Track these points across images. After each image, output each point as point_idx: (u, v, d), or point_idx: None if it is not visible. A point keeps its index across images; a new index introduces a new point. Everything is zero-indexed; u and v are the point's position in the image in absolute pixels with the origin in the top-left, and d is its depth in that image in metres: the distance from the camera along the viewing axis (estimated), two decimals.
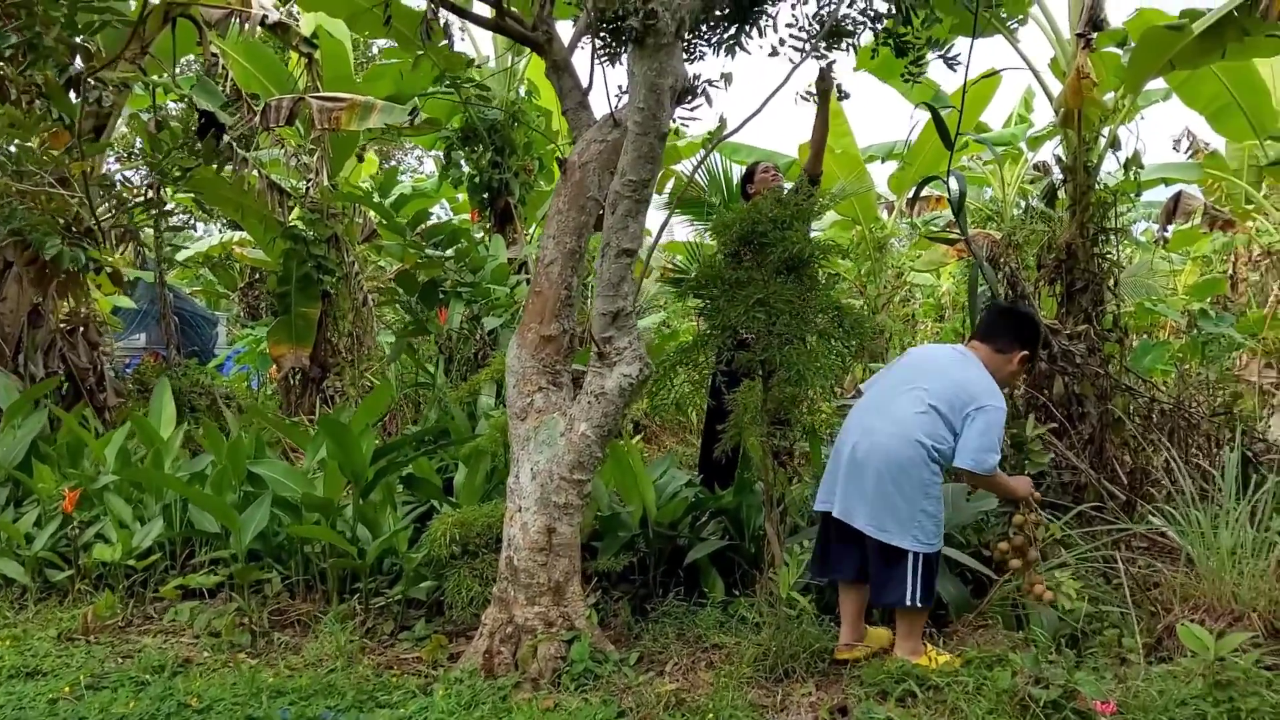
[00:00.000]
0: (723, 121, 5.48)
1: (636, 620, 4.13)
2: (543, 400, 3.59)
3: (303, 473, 4.75)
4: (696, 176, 8.63)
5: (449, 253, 6.56)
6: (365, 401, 4.78)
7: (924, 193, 11.34)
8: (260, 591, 4.49)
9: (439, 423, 5.73)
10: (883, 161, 11.67)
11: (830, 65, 5.03)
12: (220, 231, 15.70)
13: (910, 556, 3.57)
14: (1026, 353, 3.80)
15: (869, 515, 3.56)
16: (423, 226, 6.83)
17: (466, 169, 8.17)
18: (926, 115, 7.41)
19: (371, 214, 9.17)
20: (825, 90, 5.63)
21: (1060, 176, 6.34)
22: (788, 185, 6.07)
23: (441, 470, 5.31)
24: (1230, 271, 13.24)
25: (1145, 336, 11.20)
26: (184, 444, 5.52)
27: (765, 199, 4.19)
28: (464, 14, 3.82)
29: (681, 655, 3.72)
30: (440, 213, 14.19)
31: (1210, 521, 3.83)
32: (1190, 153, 12.35)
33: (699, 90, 5.14)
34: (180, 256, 18.22)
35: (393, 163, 23.25)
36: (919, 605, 3.60)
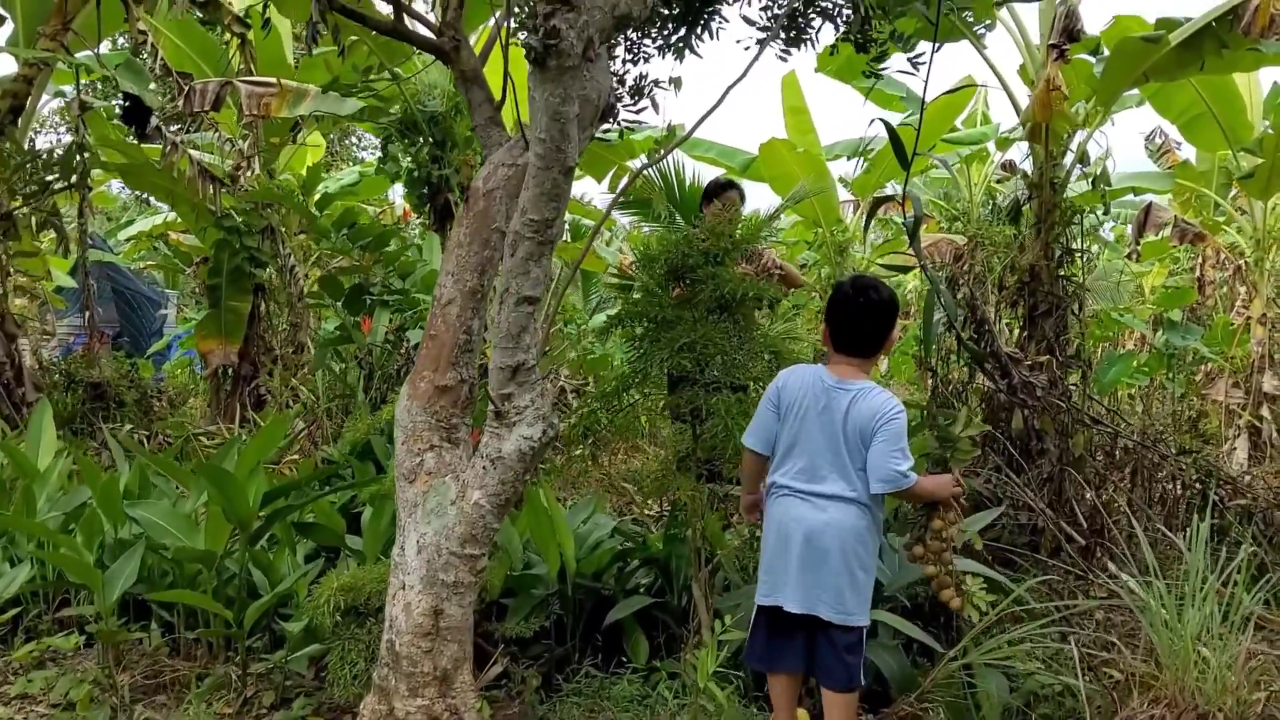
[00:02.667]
0: (671, 129, 5.09)
1: (545, 696, 3.74)
2: (434, 460, 3.17)
3: (187, 515, 4.30)
4: (650, 175, 8.20)
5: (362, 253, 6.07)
6: (256, 438, 4.33)
7: (890, 191, 11.00)
8: (140, 645, 4.08)
9: (355, 448, 5.31)
10: (849, 159, 11.29)
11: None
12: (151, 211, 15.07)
13: (861, 632, 3.25)
14: (893, 334, 3.42)
15: (834, 602, 3.18)
16: (348, 228, 6.35)
17: (405, 163, 7.68)
18: (891, 116, 7.03)
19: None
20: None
21: (1025, 193, 5.98)
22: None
23: (352, 507, 4.88)
24: (1198, 274, 13.00)
25: (1110, 347, 10.92)
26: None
27: (699, 229, 3.79)
28: (356, 16, 3.36)
29: None
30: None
31: (1174, 600, 3.47)
32: (1161, 152, 12.07)
33: (646, 92, 4.76)
34: (123, 235, 17.55)
35: (351, 146, 22.61)
36: (863, 683, 3.28)
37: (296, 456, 6.62)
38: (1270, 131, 7.38)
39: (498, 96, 3.52)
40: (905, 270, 5.53)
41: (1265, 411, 7.85)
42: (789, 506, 3.27)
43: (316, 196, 6.74)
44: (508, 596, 4.05)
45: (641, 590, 4.28)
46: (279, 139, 8.86)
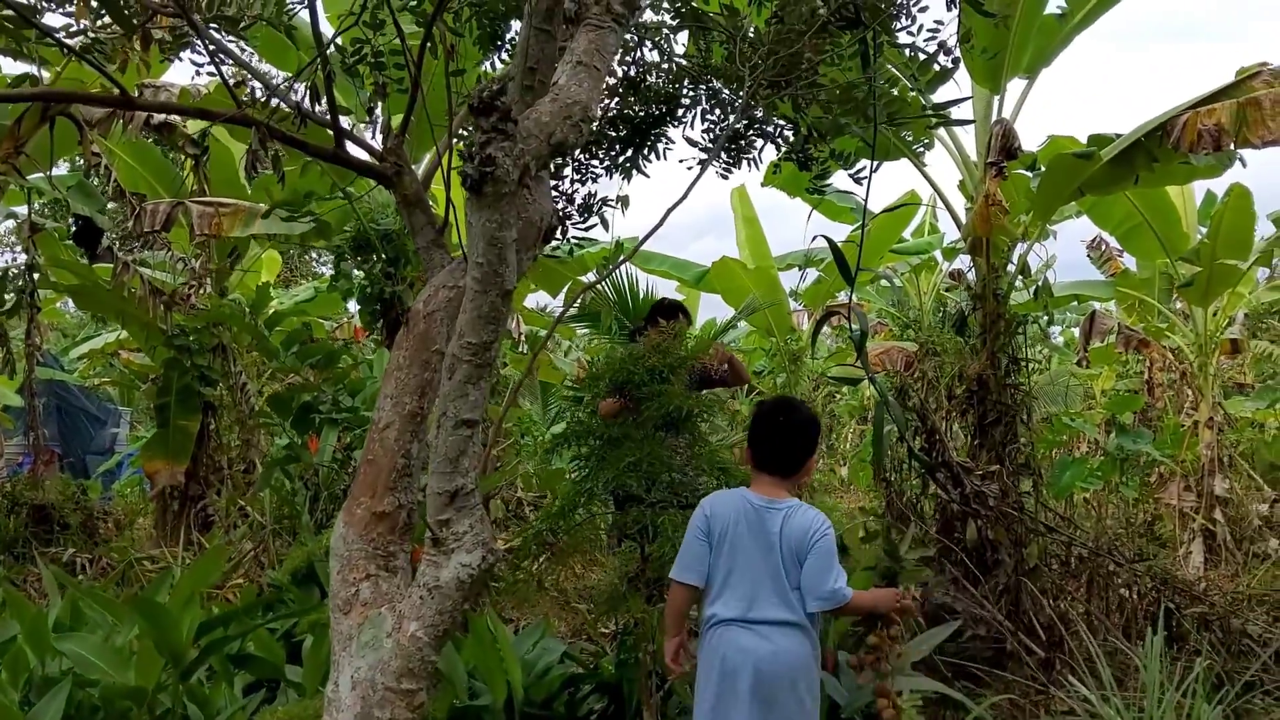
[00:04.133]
0: (620, 244, 5.15)
1: None
2: (370, 591, 3.07)
3: (119, 649, 4.13)
4: (604, 289, 8.26)
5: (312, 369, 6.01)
6: (193, 568, 4.20)
7: (841, 301, 11.15)
8: None
9: (297, 573, 5.17)
10: (800, 270, 11.48)
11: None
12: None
13: None
14: (814, 456, 3.36)
15: None
16: (297, 346, 6.30)
17: (358, 278, 7.68)
18: (841, 227, 7.18)
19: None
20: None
21: (970, 304, 6.08)
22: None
23: (294, 635, 4.72)
24: (1146, 377, 13.20)
25: (1063, 452, 11.00)
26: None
27: (643, 346, 3.79)
28: (296, 144, 3.38)
29: None
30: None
31: (1134, 715, 3.41)
32: (1104, 259, 12.38)
33: (595, 210, 4.83)
34: (76, 353, 17.34)
35: (310, 262, 22.70)
36: None
37: (241, 581, 6.44)
38: (1206, 240, 7.61)
39: (440, 220, 3.54)
40: (855, 381, 5.57)
41: (1218, 514, 7.89)
42: (732, 637, 3.15)
43: (267, 314, 6.69)
44: None
45: (593, 717, 4.15)
46: (230, 258, 8.87)
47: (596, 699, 4.28)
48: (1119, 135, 5.72)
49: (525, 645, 4.34)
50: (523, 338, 12.76)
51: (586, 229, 4.67)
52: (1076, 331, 15.55)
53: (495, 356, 2.92)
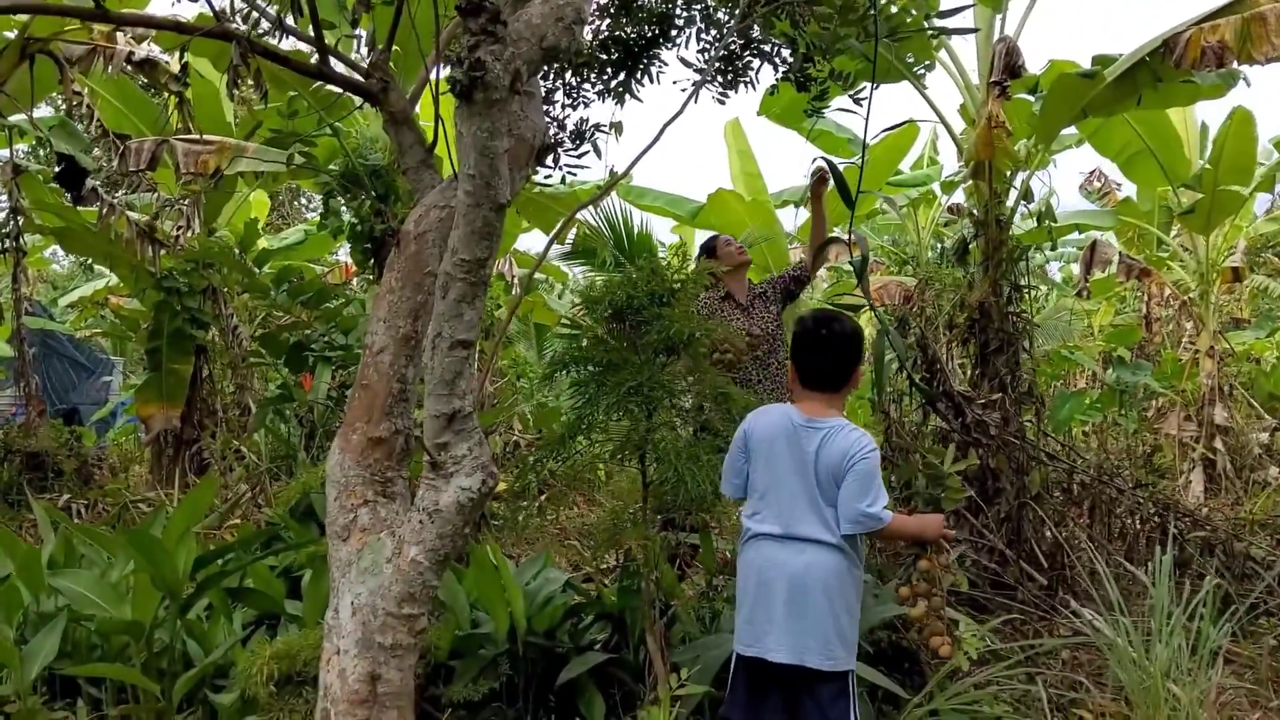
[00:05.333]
0: (613, 173, 4.99)
1: None
2: (369, 516, 3.01)
3: (114, 585, 4.08)
4: (595, 224, 8.15)
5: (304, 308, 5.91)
6: (185, 502, 4.14)
7: (838, 233, 11.00)
8: None
9: (296, 508, 5.11)
10: (796, 207, 11.33)
11: (826, 162, 4.84)
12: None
13: (850, 676, 3.10)
14: (860, 367, 3.28)
15: (821, 649, 3.04)
16: (287, 284, 6.19)
17: (347, 217, 7.54)
18: (837, 160, 7.05)
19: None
20: (820, 182, 5.37)
21: (971, 231, 5.98)
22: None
23: (293, 570, 4.69)
24: (1144, 312, 13.15)
25: (1061, 386, 10.98)
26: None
27: (641, 270, 3.69)
28: (279, 59, 3.26)
29: None
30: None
31: (1141, 636, 3.38)
32: (1102, 194, 12.25)
33: (587, 136, 4.70)
34: (65, 301, 17.18)
35: (300, 207, 22.47)
36: None
37: (239, 521, 6.40)
38: (1208, 166, 7.49)
39: (430, 139, 3.43)
40: (855, 310, 5.46)
41: (1218, 443, 7.87)
42: (766, 552, 3.13)
43: (256, 252, 6.57)
44: (455, 658, 3.87)
45: (596, 646, 4.12)
46: (214, 180, 8.70)
47: (599, 628, 4.25)
48: (1122, 56, 5.59)
49: (526, 576, 4.30)
50: (515, 280, 12.64)
51: (579, 156, 4.55)
52: (1075, 267, 15.47)
53: (489, 274, 2.83)
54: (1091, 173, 12.72)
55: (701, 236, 7.97)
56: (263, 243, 7.94)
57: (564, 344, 3.65)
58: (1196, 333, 8.55)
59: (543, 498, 3.73)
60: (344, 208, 7.57)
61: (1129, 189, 11.04)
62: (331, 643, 2.94)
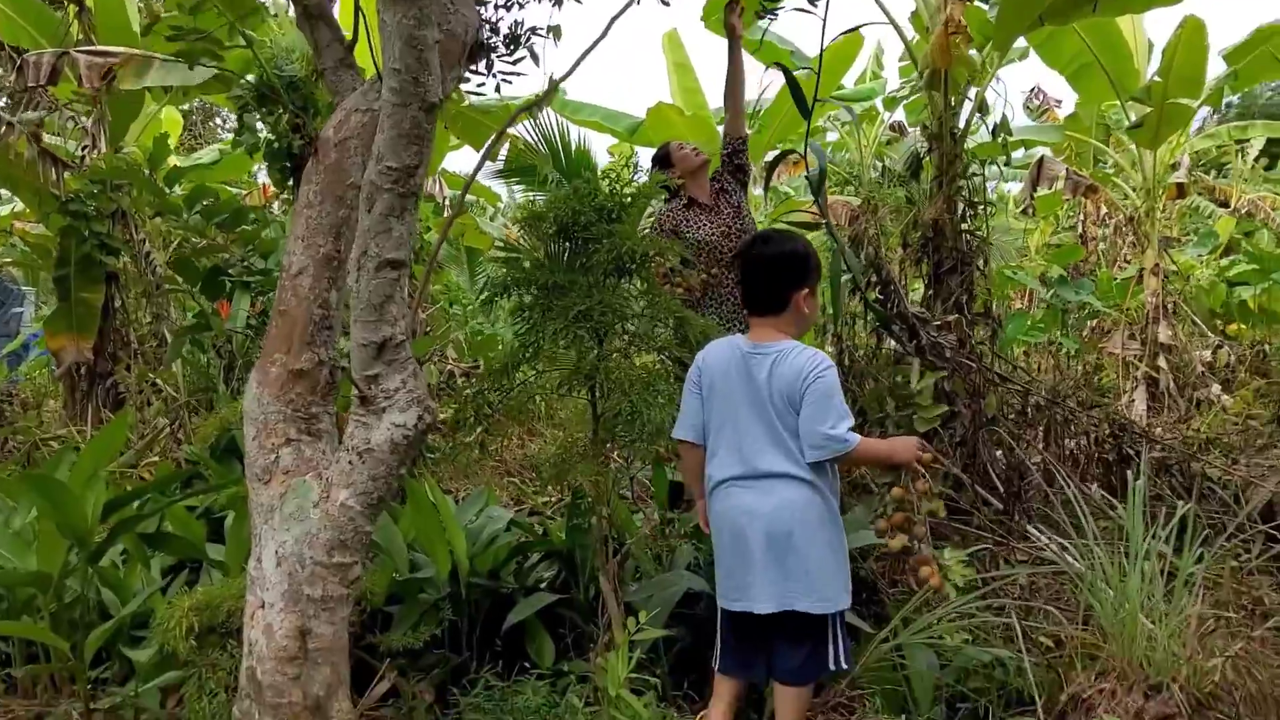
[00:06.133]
0: (553, 82, 4.65)
1: (440, 713, 3.33)
2: (292, 457, 2.71)
3: (16, 533, 3.74)
4: (530, 140, 7.77)
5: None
6: (94, 440, 3.79)
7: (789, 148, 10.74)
8: None
9: (218, 445, 4.78)
10: None
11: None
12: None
13: (833, 618, 2.93)
14: (806, 289, 3.00)
15: (807, 592, 2.85)
16: (201, 204, 5.74)
17: (263, 133, 7.04)
18: (779, 76, 6.75)
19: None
20: (732, 27, 4.95)
21: (925, 145, 5.74)
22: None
23: (216, 512, 4.38)
24: (1080, 231, 13.15)
25: (1004, 305, 10.94)
26: None
27: (588, 182, 3.39)
28: None
29: None
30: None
31: (1115, 565, 3.25)
32: (1041, 112, 12.13)
33: (523, 41, 4.33)
34: None
35: (215, 128, 21.49)
36: (844, 666, 2.98)
37: (157, 459, 6.03)
38: (1158, 79, 7.33)
39: (350, 36, 3.06)
40: (809, 228, 5.24)
41: (1162, 362, 7.85)
42: (734, 498, 2.93)
43: (167, 169, 6.09)
44: (393, 604, 3.62)
45: (544, 586, 3.90)
46: (133, 115, 8.12)
47: (546, 567, 4.03)
48: None
49: (468, 514, 4.05)
50: (446, 202, 12.15)
51: (514, 62, 4.20)
52: (1011, 186, 15.42)
53: (420, 184, 2.51)
54: (1032, 90, 12.57)
55: (643, 154, 7.63)
56: (174, 160, 7.40)
57: (503, 267, 3.34)
58: (1141, 250, 8.48)
59: (480, 430, 3.45)
60: (260, 123, 7.07)
61: (1067, 108, 10.93)
62: (255, 595, 2.67)
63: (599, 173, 3.60)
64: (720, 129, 5.34)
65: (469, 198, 12.45)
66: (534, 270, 3.28)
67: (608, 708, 2.84)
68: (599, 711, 3.07)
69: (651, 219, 5.21)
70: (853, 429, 2.85)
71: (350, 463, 2.62)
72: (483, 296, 3.36)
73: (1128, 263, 11.34)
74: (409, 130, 2.40)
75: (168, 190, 6.00)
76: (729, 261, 4.99)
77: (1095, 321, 9.79)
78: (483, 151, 3.01)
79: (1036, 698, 2.97)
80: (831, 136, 12.46)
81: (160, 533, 3.93)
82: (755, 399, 2.90)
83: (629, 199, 3.30)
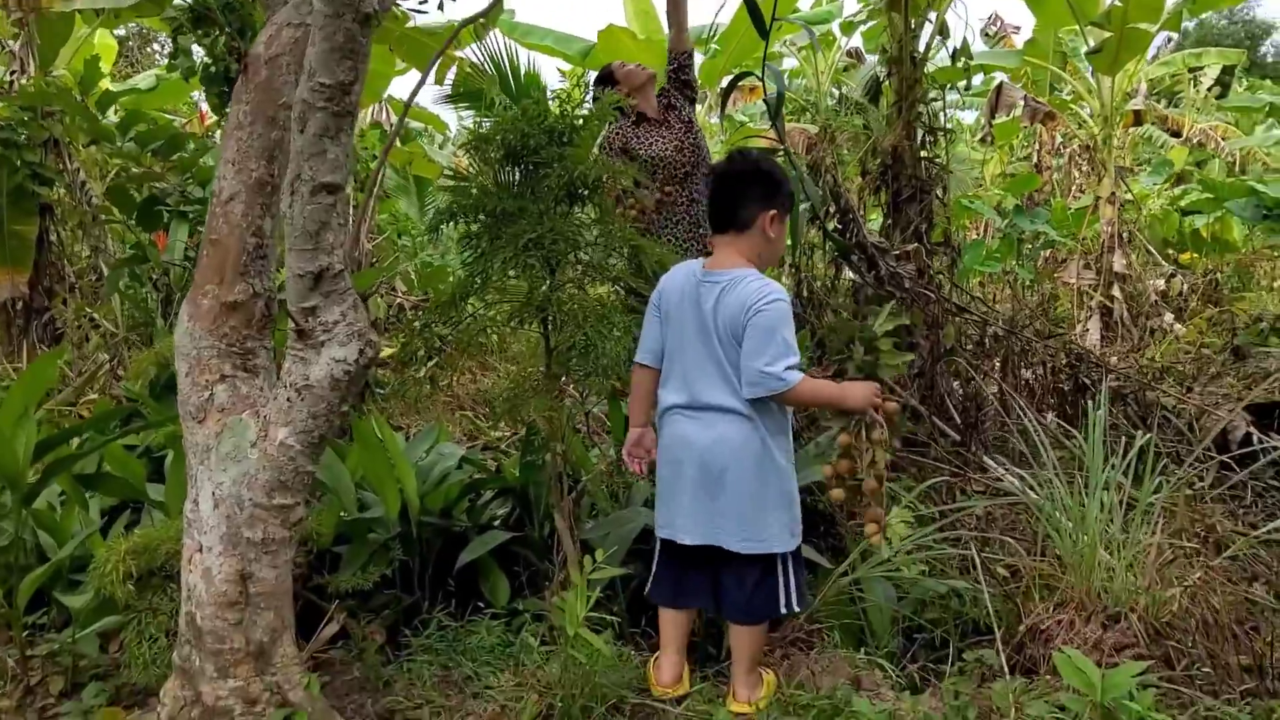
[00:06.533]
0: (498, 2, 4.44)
1: (391, 655, 3.25)
2: (227, 394, 2.58)
3: None
4: (478, 62, 7.50)
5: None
6: (22, 378, 3.61)
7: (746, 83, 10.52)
8: None
9: (158, 382, 4.61)
10: (702, 51, 10.76)
11: None
12: None
13: (782, 559, 2.86)
14: (774, 211, 2.85)
15: (738, 530, 2.79)
16: (135, 131, 5.47)
17: (199, 56, 6.72)
18: None
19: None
20: None
21: (884, 69, 5.61)
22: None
23: (154, 452, 4.23)
24: (1035, 160, 13.11)
25: (959, 234, 10.90)
26: None
27: (537, 104, 3.23)
28: None
29: (443, 713, 2.87)
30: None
31: (1075, 496, 3.22)
32: (998, 39, 12.00)
33: None
34: None
35: (153, 54, 20.71)
36: (796, 609, 2.92)
37: (96, 396, 5.84)
38: (1118, 4, 7.22)
39: None
40: (772, 153, 5.08)
41: (1116, 291, 7.86)
42: (676, 427, 2.87)
43: (98, 94, 5.79)
44: (342, 544, 3.52)
45: (498, 524, 3.82)
46: (63, 39, 7.72)
47: (500, 504, 3.95)
48: None
49: (418, 451, 3.94)
50: (393, 127, 11.81)
51: None
52: (968, 115, 15.32)
53: (356, 103, 2.35)
54: (990, 16, 12.43)
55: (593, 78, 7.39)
56: (106, 84, 7.05)
57: (450, 194, 3.19)
58: (1097, 179, 8.43)
59: (431, 364, 3.33)
60: (195, 46, 6.75)
61: (1025, 34, 10.80)
62: (193, 539, 2.55)
63: (549, 95, 3.40)
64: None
65: (417, 125, 12.13)
66: (481, 197, 3.13)
67: (565, 646, 2.78)
68: (555, 650, 3.01)
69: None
70: (796, 367, 2.72)
71: (289, 399, 2.49)
72: (430, 224, 3.20)
73: (1082, 192, 11.34)
74: (342, 44, 2.24)
75: (100, 116, 5.70)
76: (682, 177, 4.86)
77: (1050, 251, 9.79)
78: (424, 73, 2.84)
79: (995, 629, 2.94)
80: (789, 63, 12.25)
81: (99, 473, 3.79)
82: (702, 328, 2.81)
83: (580, 121, 3.15)
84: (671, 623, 2.97)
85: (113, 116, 7.42)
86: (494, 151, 3.11)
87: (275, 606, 2.56)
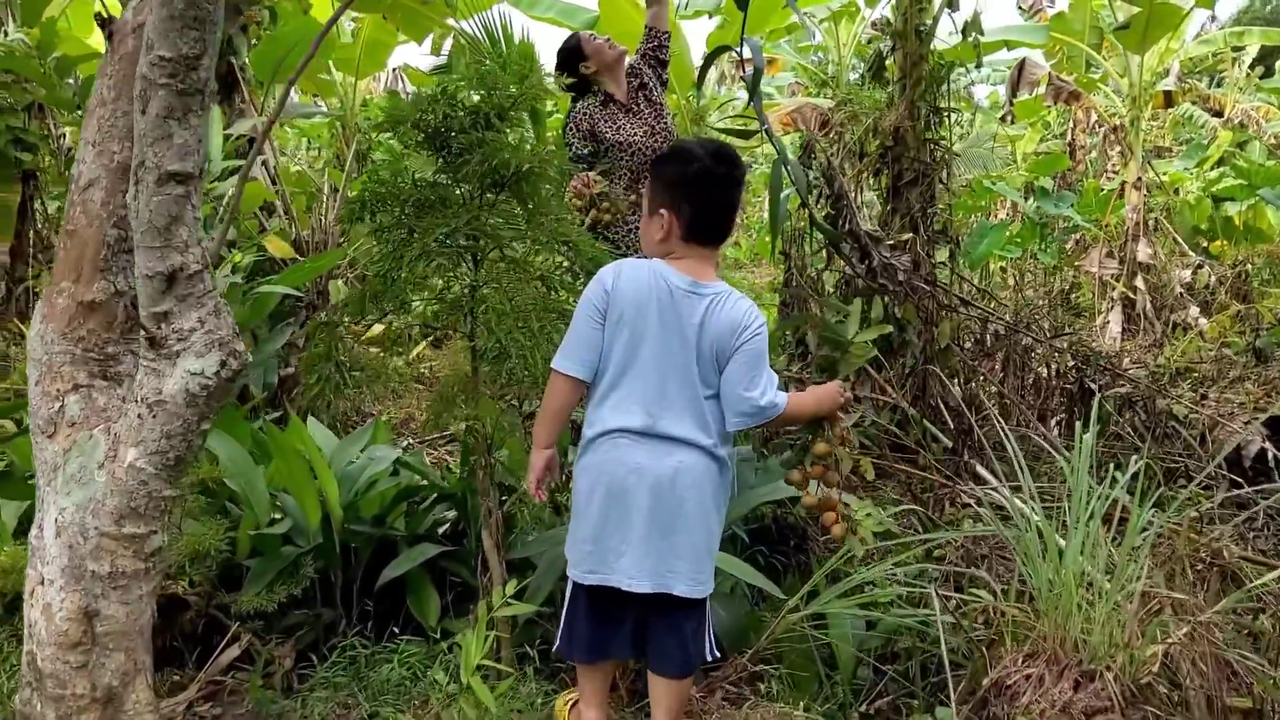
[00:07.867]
0: None
1: (296, 683, 2.98)
2: (80, 406, 2.29)
3: None
4: (475, 34, 7.15)
5: None
6: None
7: (765, 55, 10.08)
8: None
9: None
10: (710, 17, 10.32)
11: None
12: None
13: (707, 602, 2.52)
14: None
15: (691, 572, 2.42)
16: None
17: None
18: None
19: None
20: None
21: (889, 44, 5.21)
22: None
23: None
24: (1069, 139, 12.56)
25: (983, 218, 10.44)
26: None
27: (465, 76, 2.89)
28: None
29: None
30: None
31: (1057, 525, 2.87)
32: (1034, 12, 11.48)
33: None
34: None
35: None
36: (715, 655, 2.57)
37: None
38: None
39: None
40: (747, 135, 4.74)
41: (1139, 282, 7.42)
42: (621, 450, 2.41)
43: (56, 56, 5.52)
44: (257, 557, 3.25)
45: (443, 531, 3.54)
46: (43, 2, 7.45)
47: (446, 507, 3.66)
48: None
49: (349, 454, 3.65)
50: (408, 96, 11.49)
51: None
52: (1001, 90, 14.75)
53: (207, 80, 2.03)
54: None
55: None
56: (67, 48, 6.79)
57: (365, 182, 2.87)
58: (1125, 162, 7.96)
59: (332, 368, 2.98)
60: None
61: (1061, 8, 10.27)
62: (35, 569, 2.27)
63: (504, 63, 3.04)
64: (645, 24, 4.76)
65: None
66: (398, 185, 2.81)
67: (460, 697, 2.48)
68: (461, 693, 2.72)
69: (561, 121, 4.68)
70: (779, 390, 2.46)
71: (139, 416, 2.20)
72: (345, 213, 2.89)
73: (1115, 174, 10.84)
74: (183, 10, 1.92)
75: (57, 80, 5.43)
76: (645, 164, 4.49)
77: (1080, 235, 9.31)
78: (317, 37, 2.50)
79: (951, 688, 2.61)
80: (816, 39, 11.80)
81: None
82: (683, 345, 2.41)
83: (509, 101, 2.81)
84: (596, 678, 2.58)
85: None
86: (410, 134, 2.78)
87: (126, 647, 2.28)
